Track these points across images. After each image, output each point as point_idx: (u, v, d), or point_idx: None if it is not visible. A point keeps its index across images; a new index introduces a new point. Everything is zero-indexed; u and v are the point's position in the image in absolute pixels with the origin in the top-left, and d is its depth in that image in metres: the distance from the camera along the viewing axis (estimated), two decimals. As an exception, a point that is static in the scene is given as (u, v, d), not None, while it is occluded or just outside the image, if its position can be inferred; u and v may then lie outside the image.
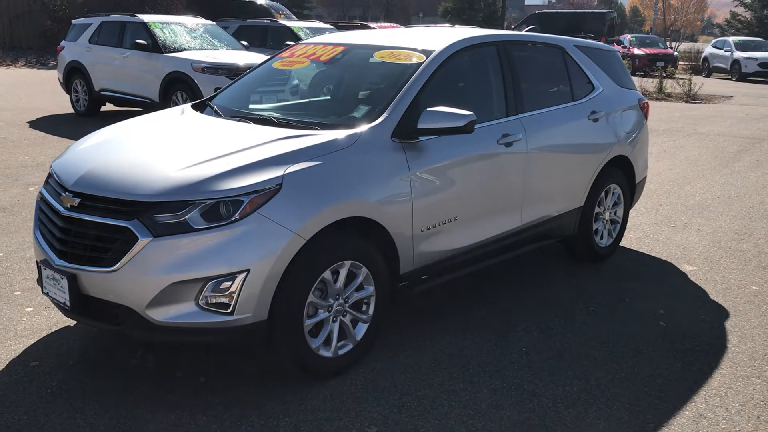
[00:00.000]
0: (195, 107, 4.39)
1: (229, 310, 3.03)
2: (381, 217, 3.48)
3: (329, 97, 4.53)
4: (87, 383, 3.35)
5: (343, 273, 3.37)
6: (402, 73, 3.94)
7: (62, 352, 3.65)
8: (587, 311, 4.41)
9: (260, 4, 24.75)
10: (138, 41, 10.98)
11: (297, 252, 3.12)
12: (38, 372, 3.43)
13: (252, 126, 3.78)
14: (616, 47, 25.79)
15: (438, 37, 4.33)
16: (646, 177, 5.84)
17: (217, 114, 4.13)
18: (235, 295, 3.02)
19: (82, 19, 12.91)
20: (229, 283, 3.00)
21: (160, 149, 3.56)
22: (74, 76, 12.10)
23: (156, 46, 10.93)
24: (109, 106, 12.18)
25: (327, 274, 3.30)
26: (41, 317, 4.02)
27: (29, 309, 4.13)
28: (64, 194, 3.28)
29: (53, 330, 3.87)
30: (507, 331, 4.06)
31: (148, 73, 10.88)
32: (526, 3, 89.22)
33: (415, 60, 4.02)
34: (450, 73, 4.13)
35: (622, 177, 5.38)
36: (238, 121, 3.91)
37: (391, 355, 3.70)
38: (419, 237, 3.71)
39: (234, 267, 3.00)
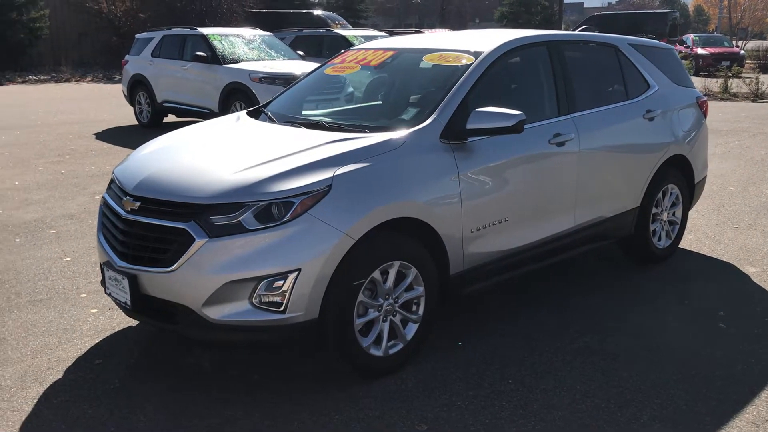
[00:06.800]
0: (250, 114, 4.51)
1: (282, 309, 3.10)
2: (430, 218, 3.51)
3: (379, 101, 4.58)
4: (147, 380, 3.48)
5: (392, 273, 3.41)
6: (451, 75, 3.96)
7: (124, 350, 3.80)
8: (643, 313, 4.32)
9: (317, 15, 25.24)
10: (198, 53, 11.32)
11: (347, 252, 3.17)
12: (102, 369, 3.58)
13: (304, 130, 3.86)
14: (678, 47, 24.93)
15: (488, 39, 4.33)
16: (705, 177, 5.69)
17: (270, 120, 4.24)
18: (287, 294, 3.09)
19: (145, 33, 13.40)
20: (282, 282, 3.08)
21: (215, 154, 3.68)
22: (138, 88, 12.55)
23: (215, 58, 11.26)
24: (171, 117, 12.57)
25: (376, 274, 3.33)
26: (105, 318, 4.19)
27: (94, 310, 4.30)
28: (125, 198, 3.42)
29: (116, 330, 4.03)
30: (560, 332, 4.02)
31: (208, 84, 11.22)
32: (585, 6, 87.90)
33: (464, 61, 4.04)
34: (500, 74, 4.13)
35: (680, 177, 5.25)
36: (291, 126, 4.00)
37: (442, 355, 3.71)
38: (469, 238, 3.72)
39: (286, 266, 3.08)
